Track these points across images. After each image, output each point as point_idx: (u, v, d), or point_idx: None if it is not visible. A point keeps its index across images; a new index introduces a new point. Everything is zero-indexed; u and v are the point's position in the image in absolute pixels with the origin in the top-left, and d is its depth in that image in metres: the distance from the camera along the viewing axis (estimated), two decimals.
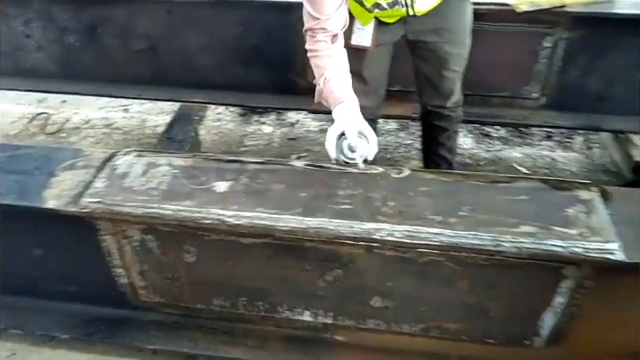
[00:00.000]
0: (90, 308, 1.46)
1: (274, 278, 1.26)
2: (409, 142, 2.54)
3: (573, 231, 1.00)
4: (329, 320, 1.34)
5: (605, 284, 1.09)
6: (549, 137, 2.54)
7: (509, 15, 2.02)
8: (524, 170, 2.32)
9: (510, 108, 2.34)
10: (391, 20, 1.58)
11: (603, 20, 2.09)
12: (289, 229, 1.05)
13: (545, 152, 2.46)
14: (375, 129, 1.97)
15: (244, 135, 2.62)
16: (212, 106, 2.71)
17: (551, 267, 1.08)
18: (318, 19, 1.35)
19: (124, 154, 1.25)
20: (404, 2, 1.48)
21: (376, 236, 1.03)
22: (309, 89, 2.41)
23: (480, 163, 2.39)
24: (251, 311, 1.36)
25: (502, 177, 1.14)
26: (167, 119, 2.50)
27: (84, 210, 1.11)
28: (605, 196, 1.09)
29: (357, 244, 1.10)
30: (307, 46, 1.43)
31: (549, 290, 1.14)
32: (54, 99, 2.87)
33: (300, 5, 2.29)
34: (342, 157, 1.30)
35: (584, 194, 1.08)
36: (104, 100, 2.83)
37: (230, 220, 1.06)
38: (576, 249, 0.97)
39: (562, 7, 2.03)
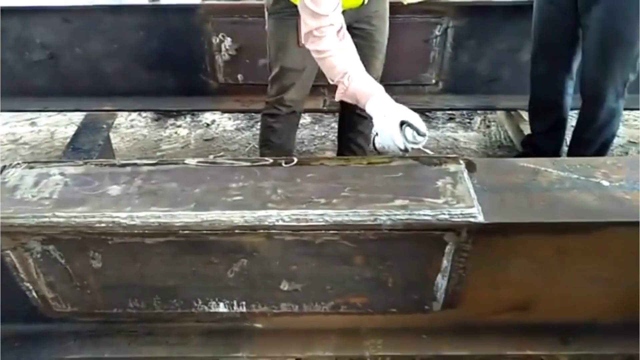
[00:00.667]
0: (4, 326, 1.42)
1: (184, 274, 1.30)
2: (323, 134, 2.65)
3: (440, 201, 1.12)
4: (243, 309, 1.39)
5: (480, 246, 1.21)
6: (451, 119, 2.74)
7: (399, 8, 2.17)
8: (429, 152, 2.48)
9: (413, 95, 2.51)
10: (350, 4, 1.62)
11: (485, 8, 2.29)
12: (184, 224, 1.10)
13: (448, 134, 2.66)
14: (298, 123, 2.06)
15: (160, 139, 2.62)
16: (125, 113, 2.69)
17: (433, 235, 1.19)
18: (325, 15, 1.34)
19: (13, 167, 1.24)
20: None
21: (266, 222, 1.10)
22: (220, 89, 2.47)
23: None
24: (168, 309, 1.38)
25: (379, 159, 1.25)
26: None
27: None
28: (470, 168, 1.22)
29: (256, 232, 1.17)
30: (315, 47, 1.40)
31: (436, 256, 1.25)
32: None
33: (203, 6, 2.31)
34: (409, 145, 1.30)
35: (451, 167, 1.21)
36: (8, 115, 2.73)
37: (125, 221, 1.10)
38: (442, 216, 1.09)
39: None
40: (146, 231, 1.14)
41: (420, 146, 1.32)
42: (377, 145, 1.37)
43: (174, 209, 1.11)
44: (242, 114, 2.70)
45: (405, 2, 2.10)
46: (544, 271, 1.28)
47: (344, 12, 1.64)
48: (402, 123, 1.31)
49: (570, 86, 2.15)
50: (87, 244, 1.21)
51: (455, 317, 1.39)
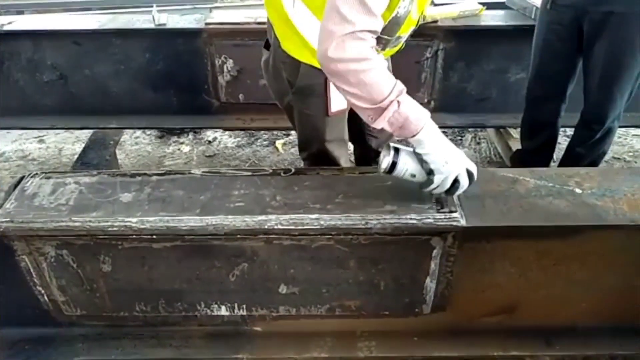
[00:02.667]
0: (15, 330, 1.49)
1: (188, 278, 1.38)
2: None
3: (426, 206, 1.21)
4: (244, 312, 1.47)
5: (465, 251, 1.29)
6: None
7: None
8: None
9: None
10: (390, 53, 1.46)
11: (472, 32, 2.42)
12: (190, 228, 1.19)
13: None
14: None
15: (163, 156, 2.72)
16: (130, 130, 2.80)
17: (421, 239, 1.28)
18: (375, 15, 1.04)
19: (32, 177, 1.34)
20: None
21: (266, 226, 1.19)
22: (222, 108, 2.59)
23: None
24: (172, 312, 1.46)
25: (370, 169, 1.34)
26: (83, 147, 2.56)
27: None
28: None
29: (256, 237, 1.26)
30: (355, 54, 1.04)
31: (424, 260, 1.33)
32: None
33: (206, 30, 2.32)
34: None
35: None
36: (17, 132, 2.83)
37: (136, 225, 1.19)
38: (428, 220, 1.19)
39: (434, 22, 2.33)
40: (155, 235, 1.23)
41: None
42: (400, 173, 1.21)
43: (181, 214, 1.20)
44: (242, 132, 2.81)
45: None
46: (526, 275, 1.36)
47: None
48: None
49: (564, 109, 2.23)
50: (99, 248, 1.30)
51: (445, 320, 1.46)
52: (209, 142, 2.82)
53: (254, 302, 1.44)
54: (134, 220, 1.19)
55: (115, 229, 1.19)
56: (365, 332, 1.51)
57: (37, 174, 1.35)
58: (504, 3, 2.64)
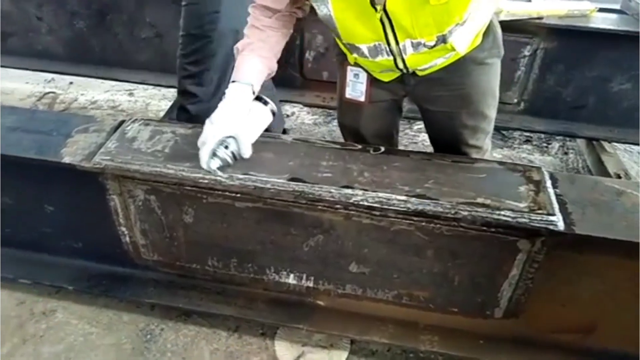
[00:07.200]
0: (95, 264, 1.59)
1: (263, 241, 1.39)
2: None
3: (522, 205, 1.14)
4: (310, 284, 1.47)
5: (552, 259, 1.22)
6: (528, 141, 2.71)
7: None
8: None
9: None
10: (385, 79, 1.35)
11: (578, 33, 2.26)
12: (276, 191, 1.20)
13: (523, 155, 2.62)
14: None
15: None
16: None
17: (508, 240, 1.22)
18: None
19: (132, 121, 1.39)
20: (388, 50, 1.19)
21: (352, 200, 1.17)
22: (305, 84, 2.59)
23: None
24: (241, 272, 1.49)
25: (464, 159, 1.28)
26: (169, 104, 2.65)
27: (97, 167, 1.25)
28: (553, 179, 1.24)
29: (336, 210, 1.24)
30: (253, 12, 1.26)
31: (506, 263, 1.27)
32: (62, 80, 3.01)
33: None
34: (212, 163, 1.20)
35: (535, 176, 1.23)
36: (110, 83, 2.97)
37: (225, 180, 1.21)
38: (523, 219, 1.12)
39: (539, 18, 2.20)
40: (240, 194, 1.24)
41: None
42: None
43: (269, 176, 1.21)
44: (320, 110, 2.80)
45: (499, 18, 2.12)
46: (614, 295, 1.28)
47: (391, 81, 1.35)
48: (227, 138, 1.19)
49: None
50: (184, 199, 1.34)
51: (516, 327, 1.40)
52: (287, 116, 2.83)
53: (322, 275, 1.44)
54: (224, 175, 1.21)
55: (205, 181, 1.22)
56: (429, 326, 1.47)
57: (136, 119, 1.40)
58: (619, 10, 2.44)
